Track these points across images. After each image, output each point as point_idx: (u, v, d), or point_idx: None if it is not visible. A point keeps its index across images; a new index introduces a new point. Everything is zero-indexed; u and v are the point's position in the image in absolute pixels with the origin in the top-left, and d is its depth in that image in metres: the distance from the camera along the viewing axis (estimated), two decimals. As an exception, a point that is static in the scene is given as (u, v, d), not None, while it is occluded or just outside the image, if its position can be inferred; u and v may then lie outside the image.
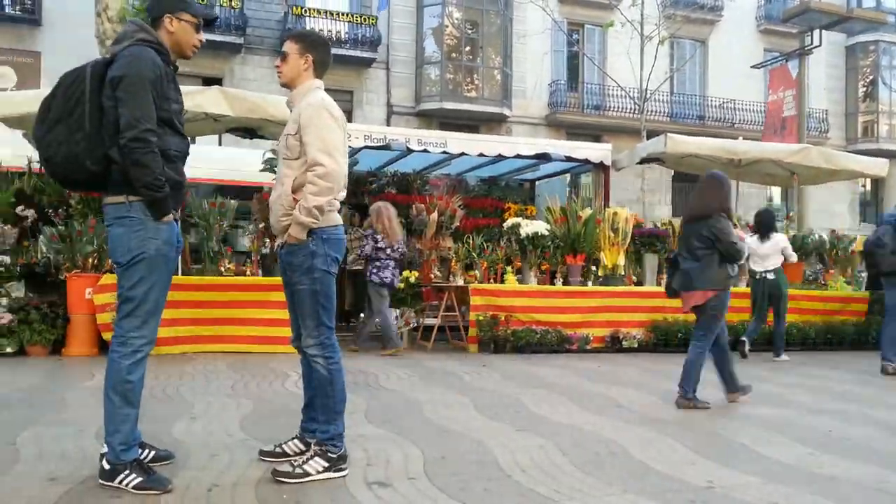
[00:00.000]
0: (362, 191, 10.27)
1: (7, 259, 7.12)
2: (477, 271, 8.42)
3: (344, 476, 3.09)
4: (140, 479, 2.83)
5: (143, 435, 3.11)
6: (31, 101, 7.12)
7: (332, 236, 3.18)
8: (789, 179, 11.96)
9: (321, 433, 3.17)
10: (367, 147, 8.58)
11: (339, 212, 3.31)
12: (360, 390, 5.29)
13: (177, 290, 7.15)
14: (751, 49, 23.81)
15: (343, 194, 3.22)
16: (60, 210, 7.55)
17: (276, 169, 9.40)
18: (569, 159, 9.89)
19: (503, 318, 8.00)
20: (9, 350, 6.69)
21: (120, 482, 2.83)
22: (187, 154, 3.14)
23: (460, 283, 8.31)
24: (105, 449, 2.93)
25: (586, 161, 10.10)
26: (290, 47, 3.30)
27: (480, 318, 8.01)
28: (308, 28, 19.95)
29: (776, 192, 24.05)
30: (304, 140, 3.11)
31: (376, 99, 21.18)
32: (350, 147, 8.65)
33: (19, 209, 7.47)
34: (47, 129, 2.88)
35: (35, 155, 8.11)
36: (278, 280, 7.25)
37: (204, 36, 3.18)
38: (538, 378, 6.15)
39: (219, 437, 3.77)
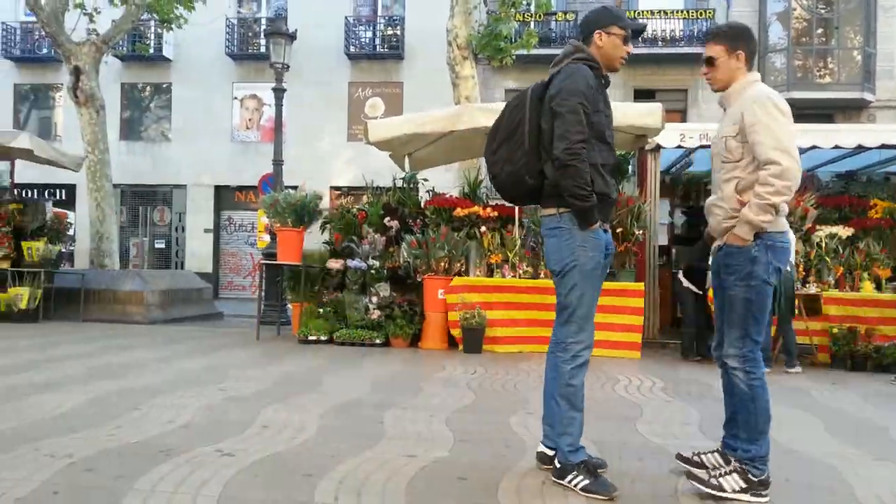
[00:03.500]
0: (696, 194, 9.86)
1: (377, 263, 8.27)
2: (831, 277, 7.53)
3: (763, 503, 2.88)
4: (587, 481, 2.92)
5: (486, 424, 3.35)
6: (396, 126, 8.18)
7: (777, 243, 2.97)
8: None
9: (742, 452, 2.99)
10: (703, 146, 8.21)
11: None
12: (693, 401, 5.09)
13: (513, 293, 7.67)
14: None
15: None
16: (418, 220, 8.57)
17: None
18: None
19: (863, 332, 7.03)
20: (378, 341, 7.79)
21: (569, 482, 2.96)
22: (617, 166, 3.27)
23: (812, 290, 7.50)
24: (544, 446, 3.19)
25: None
26: (715, 50, 3.13)
27: (835, 330, 7.15)
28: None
29: None
30: (752, 139, 2.90)
31: (713, 95, 19.89)
32: (685, 147, 8.37)
33: (386, 220, 8.64)
34: (493, 149, 3.22)
35: (399, 172, 9.38)
36: (614, 285, 7.43)
37: (632, 48, 3.20)
38: (911, 404, 5.28)
39: (551, 433, 3.93)
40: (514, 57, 13.08)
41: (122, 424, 3.83)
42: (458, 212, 8.40)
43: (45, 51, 21.99)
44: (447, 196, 8.91)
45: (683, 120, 18.97)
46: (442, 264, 7.93)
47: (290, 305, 9.55)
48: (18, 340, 7.63)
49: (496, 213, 8.52)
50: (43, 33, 16.88)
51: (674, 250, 10.00)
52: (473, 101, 11.98)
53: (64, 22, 13.06)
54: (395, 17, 21.52)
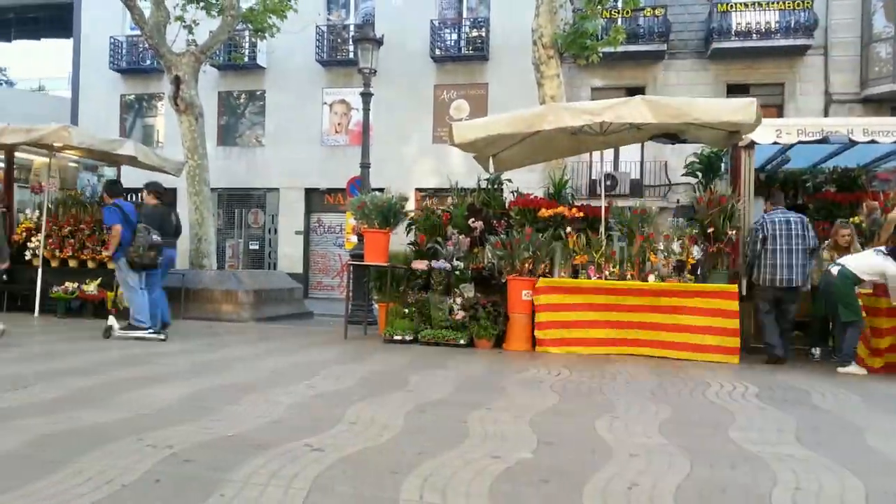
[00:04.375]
0: (793, 191, 9.42)
1: (461, 264, 8.32)
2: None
3: None
4: None
5: (571, 427, 3.32)
6: (480, 127, 8.19)
7: None
8: None
9: None
10: (800, 142, 7.85)
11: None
12: (788, 407, 4.87)
13: (599, 294, 7.56)
14: None
15: None
16: (502, 221, 8.56)
17: (697, 172, 9.22)
18: None
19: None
20: (462, 342, 7.83)
21: None
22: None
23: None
24: None
25: None
26: None
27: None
28: (734, 23, 19.05)
29: None
30: None
31: (812, 89, 19.18)
32: (780, 144, 8.03)
33: (470, 221, 8.68)
34: None
35: (483, 173, 9.40)
36: (703, 287, 7.22)
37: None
38: None
39: (638, 438, 3.85)
40: (600, 55, 12.87)
41: (219, 418, 4.01)
42: (543, 212, 8.35)
43: (148, 62, 23.23)
44: (532, 197, 8.86)
45: (780, 115, 18.17)
46: (526, 265, 7.90)
47: (376, 305, 9.73)
48: (125, 339, 8.08)
49: (582, 214, 8.41)
50: (146, 45, 17.81)
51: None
52: (559, 101, 11.87)
53: (165, 34, 13.75)
54: (479, 19, 21.57)
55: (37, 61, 51.42)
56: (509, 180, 9.52)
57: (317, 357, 6.88)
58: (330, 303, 17.71)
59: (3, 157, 11.82)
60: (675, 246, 7.62)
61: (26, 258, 10.81)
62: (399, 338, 8.11)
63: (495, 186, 9.40)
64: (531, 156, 9.63)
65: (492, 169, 9.27)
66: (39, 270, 10.39)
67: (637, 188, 19.64)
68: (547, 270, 7.99)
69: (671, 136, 8.56)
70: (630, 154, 19.19)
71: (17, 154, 11.75)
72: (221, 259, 21.51)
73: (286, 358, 6.74)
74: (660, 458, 3.44)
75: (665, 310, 7.39)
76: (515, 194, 9.11)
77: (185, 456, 3.23)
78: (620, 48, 14.06)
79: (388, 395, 4.87)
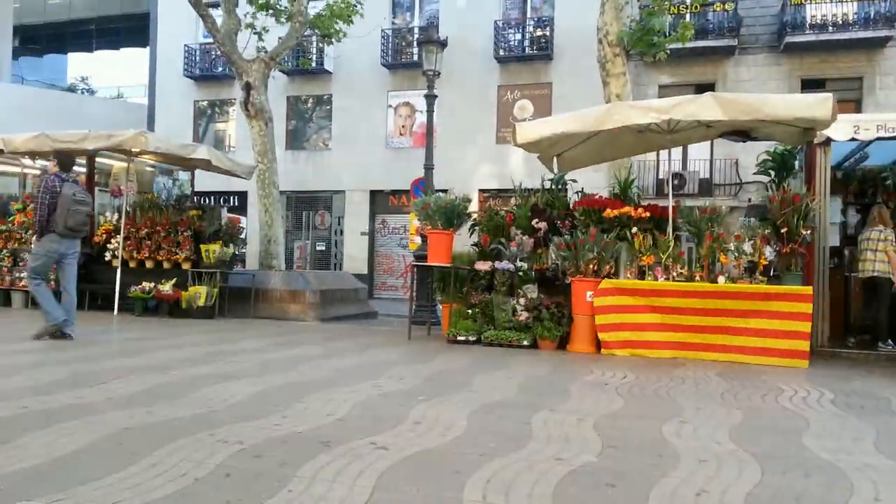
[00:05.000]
0: (872, 190, 9.04)
1: (525, 265, 8.28)
2: None
3: None
4: None
5: (637, 431, 3.27)
6: (544, 127, 8.15)
7: None
8: None
9: None
10: (879, 139, 7.52)
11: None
12: (866, 415, 4.67)
13: (666, 296, 7.41)
14: None
15: None
16: (567, 221, 8.48)
17: (770, 170, 8.96)
18: None
19: None
20: (525, 343, 7.80)
21: None
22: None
23: None
24: None
25: None
26: None
27: None
28: (808, 16, 18.38)
29: None
30: None
31: (892, 83, 18.33)
32: (859, 140, 7.71)
33: (534, 222, 8.63)
34: None
35: (547, 174, 9.33)
36: (777, 289, 6.99)
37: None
38: None
39: (707, 443, 3.76)
40: (667, 51, 12.62)
41: (287, 415, 4.10)
42: (609, 213, 8.23)
43: (220, 69, 23.96)
44: (597, 197, 8.75)
45: (858, 110, 17.45)
46: (591, 266, 7.80)
47: (440, 306, 9.78)
48: (198, 335, 8.36)
49: (648, 214, 8.26)
50: (219, 53, 18.38)
51: (846, 252, 9.22)
52: (625, 99, 11.69)
53: (237, 41, 14.17)
54: (544, 18, 21.44)
55: (116, 70, 53.73)
56: (574, 180, 9.42)
57: (381, 357, 6.97)
58: (394, 303, 17.89)
59: (85, 162, 12.38)
60: (747, 246, 7.40)
61: (106, 259, 11.30)
62: (462, 338, 8.13)
63: (559, 187, 9.32)
64: (596, 155, 9.52)
65: (556, 169, 9.20)
66: (118, 271, 10.85)
67: (706, 187, 19.16)
68: (612, 272, 7.88)
69: (742, 133, 8.32)
70: (699, 152, 18.73)
71: (97, 159, 12.30)
72: (289, 260, 22.00)
73: (351, 357, 6.85)
74: (730, 465, 3.35)
75: (735, 313, 7.19)
76: (580, 194, 9.02)
77: (254, 451, 3.32)
78: (689, 44, 13.77)
79: (451, 396, 4.90)
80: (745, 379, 6.06)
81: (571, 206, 8.82)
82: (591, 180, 10.62)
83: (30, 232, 11.80)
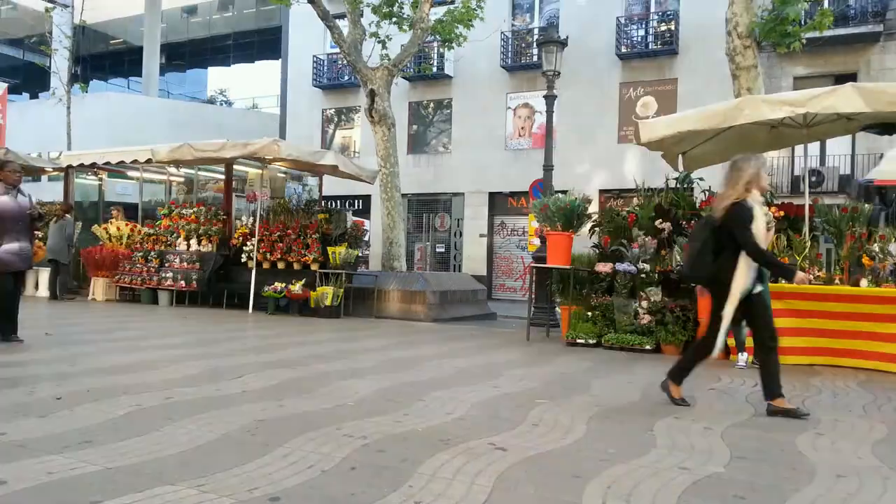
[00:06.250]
0: None
1: (647, 267, 8.06)
2: None
3: None
4: None
5: (768, 442, 3.12)
6: (669, 124, 7.90)
7: None
8: None
9: None
10: None
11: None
12: None
13: (802, 300, 6.98)
14: None
15: None
16: (692, 221, 8.17)
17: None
18: None
19: None
20: (647, 347, 7.59)
21: None
22: None
23: None
24: None
25: None
26: None
27: None
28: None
29: None
30: None
31: None
32: None
33: (657, 222, 8.38)
34: None
35: (671, 172, 9.04)
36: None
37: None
38: None
39: (846, 457, 3.52)
40: (803, 41, 11.87)
41: (408, 413, 4.21)
42: (738, 213, 7.85)
43: (346, 78, 24.86)
44: (725, 196, 8.37)
45: None
46: (719, 269, 7.47)
47: (558, 308, 9.69)
48: (325, 333, 8.73)
49: (782, 213, 7.82)
50: (345, 62, 19.07)
51: None
52: (756, 93, 11.11)
53: (361, 50, 14.66)
54: (668, 12, 20.75)
55: (251, 82, 57.03)
56: (701, 179, 9.07)
57: (500, 358, 7.00)
58: (512, 305, 17.88)
59: (224, 169, 13.22)
60: (893, 247, 6.85)
61: (242, 260, 12.01)
62: (582, 341, 8.02)
63: (685, 186, 9.00)
64: (725, 153, 9.10)
65: (681, 168, 8.89)
66: (253, 272, 11.50)
67: (847, 184, 17.86)
68: (742, 274, 7.51)
69: (888, 126, 7.72)
70: (838, 146, 17.48)
71: (234, 167, 13.10)
72: (410, 261, 22.49)
73: (470, 358, 6.92)
74: (872, 481, 3.12)
75: (879, 318, 6.66)
76: (707, 193, 8.67)
77: (377, 447, 3.43)
78: (827, 32, 12.87)
79: (570, 399, 4.85)
80: (890, 390, 5.62)
81: (698, 205, 8.50)
82: (720, 178, 10.17)
83: (174, 235, 12.75)
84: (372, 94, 14.19)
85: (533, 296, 9.88)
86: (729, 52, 11.60)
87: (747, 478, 3.14)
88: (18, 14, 43.65)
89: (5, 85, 21.02)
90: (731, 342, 7.22)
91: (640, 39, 21.09)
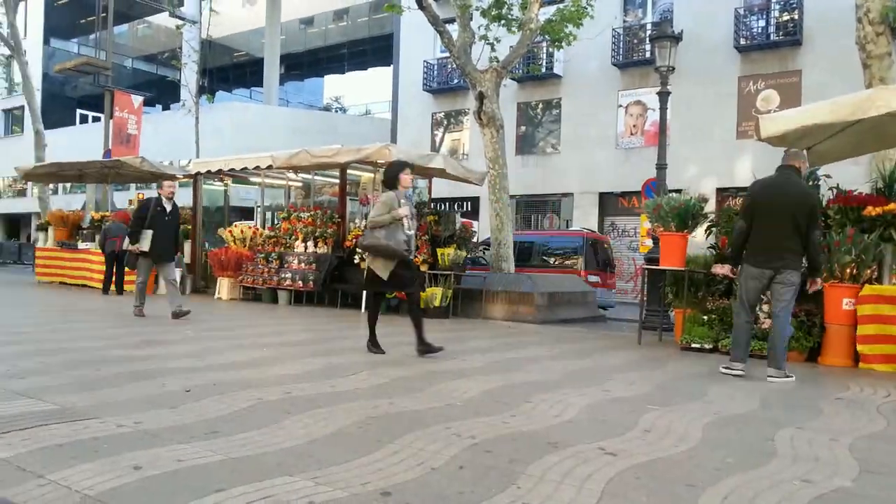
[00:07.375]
0: None
1: (769, 269, 7.65)
2: None
3: None
4: None
5: (891, 454, 2.92)
6: (792, 118, 7.51)
7: None
8: None
9: None
10: None
11: None
12: None
13: (892, 304, 6.45)
14: None
15: None
16: (819, 221, 7.71)
17: None
18: None
19: None
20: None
21: None
22: None
23: None
24: None
25: None
26: None
27: None
28: None
29: None
30: None
31: None
32: None
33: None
34: None
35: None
36: None
37: None
38: None
39: None
40: (949, 24, 10.95)
41: (516, 414, 4.22)
42: (869, 210, 7.35)
43: (455, 81, 25.13)
44: (856, 193, 7.86)
45: None
46: (848, 270, 7.03)
47: (672, 311, 9.40)
48: (434, 334, 8.83)
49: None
50: (454, 66, 19.28)
51: None
52: (890, 83, 10.34)
53: (471, 53, 14.77)
54: (791, 1, 19.68)
55: (364, 89, 58.74)
56: (828, 176, 8.55)
57: (610, 361, 6.87)
58: (624, 307, 17.49)
59: (338, 174, 13.68)
60: None
61: (355, 262, 12.37)
62: (697, 346, 7.74)
63: (810, 183, 8.50)
64: (854, 147, 8.57)
65: (806, 164, 8.40)
66: (365, 272, 11.83)
67: None
68: (874, 276, 7.03)
69: None
70: None
71: (348, 171, 13.52)
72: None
73: (580, 360, 6.84)
74: None
75: None
76: (835, 191, 8.17)
77: (485, 447, 3.46)
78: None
79: (684, 405, 4.70)
80: None
81: (825, 204, 8.01)
82: (849, 175, 9.57)
83: (293, 237, 13.32)
84: (480, 97, 14.25)
85: (645, 298, 9.62)
86: (859, 41, 10.88)
87: (878, 493, 2.94)
88: (152, 32, 46.99)
89: (141, 98, 22.69)
90: (867, 349, 6.79)
91: (760, 30, 20.15)
